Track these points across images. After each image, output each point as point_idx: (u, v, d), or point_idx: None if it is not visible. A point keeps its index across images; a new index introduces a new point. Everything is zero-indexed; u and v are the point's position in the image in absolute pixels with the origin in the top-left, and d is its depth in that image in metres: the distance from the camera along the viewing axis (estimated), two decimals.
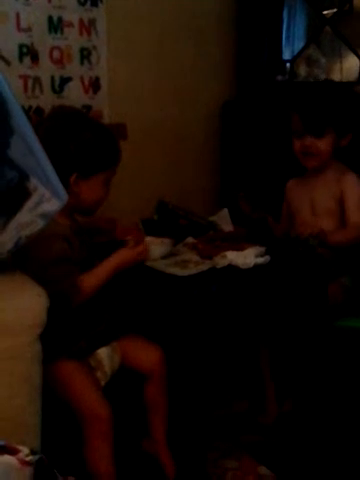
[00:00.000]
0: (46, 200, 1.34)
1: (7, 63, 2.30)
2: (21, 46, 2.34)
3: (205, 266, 1.90)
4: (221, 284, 1.82)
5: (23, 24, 2.33)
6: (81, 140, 1.68)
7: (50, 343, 1.63)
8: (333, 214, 2.18)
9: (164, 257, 1.94)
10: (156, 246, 1.92)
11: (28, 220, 1.35)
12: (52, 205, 1.36)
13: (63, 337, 1.69)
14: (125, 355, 1.81)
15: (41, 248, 1.59)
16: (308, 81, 2.95)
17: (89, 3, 2.46)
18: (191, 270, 1.87)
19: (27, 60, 2.37)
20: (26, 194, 1.33)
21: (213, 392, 2.10)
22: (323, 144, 2.14)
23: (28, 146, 1.33)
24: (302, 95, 2.29)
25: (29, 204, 1.33)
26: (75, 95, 2.49)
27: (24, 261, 1.58)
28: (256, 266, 1.89)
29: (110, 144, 1.75)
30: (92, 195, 1.73)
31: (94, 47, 2.51)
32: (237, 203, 2.28)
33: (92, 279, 1.69)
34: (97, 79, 2.54)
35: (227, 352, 2.15)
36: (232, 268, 1.89)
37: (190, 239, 2.13)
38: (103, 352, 1.76)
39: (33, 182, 1.33)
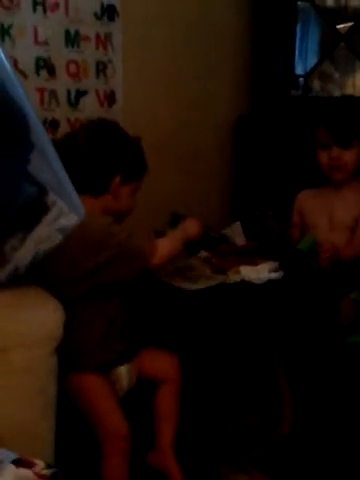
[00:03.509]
0: (64, 214, 1.35)
1: (24, 76, 2.32)
2: (38, 59, 2.36)
3: (214, 281, 1.90)
4: (233, 300, 1.82)
5: (40, 37, 2.35)
6: (127, 145, 1.78)
7: (78, 353, 1.68)
8: (350, 230, 2.19)
9: (178, 270, 1.94)
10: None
11: (46, 234, 1.36)
12: (70, 219, 1.36)
13: (92, 349, 1.70)
14: (142, 366, 1.81)
15: (107, 237, 1.66)
16: (324, 96, 2.98)
17: (106, 17, 2.49)
18: (200, 285, 1.88)
19: (44, 73, 2.39)
20: (45, 208, 1.34)
21: (224, 406, 2.10)
22: (350, 155, 2.15)
23: (47, 161, 1.34)
24: (328, 108, 2.29)
25: (48, 218, 1.34)
26: (90, 108, 2.50)
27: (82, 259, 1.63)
28: (270, 281, 1.90)
29: (143, 155, 1.84)
30: (127, 202, 1.80)
31: (110, 61, 2.53)
32: (263, 221, 2.29)
33: (166, 242, 1.78)
34: (112, 92, 2.56)
35: (237, 367, 2.15)
36: (244, 283, 1.89)
37: (203, 253, 2.13)
38: (123, 368, 1.76)
39: (51, 196, 1.34)
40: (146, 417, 1.81)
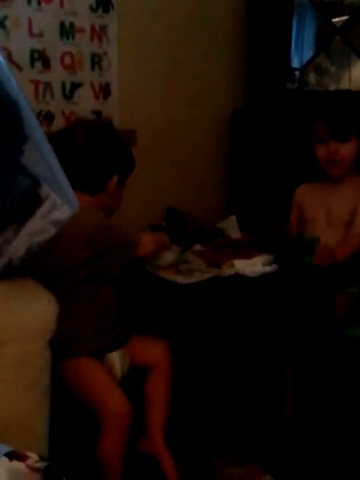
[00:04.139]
0: (58, 207, 1.35)
1: (19, 68, 2.31)
2: (33, 51, 2.35)
3: (208, 275, 1.91)
4: (227, 293, 1.84)
5: (35, 29, 2.34)
6: (123, 146, 1.85)
7: (72, 341, 1.71)
8: (347, 225, 2.19)
9: (173, 264, 1.95)
10: (165, 253, 1.94)
11: (40, 227, 1.35)
12: (63, 212, 1.36)
13: (87, 336, 1.74)
14: (133, 354, 1.83)
15: (100, 231, 1.73)
16: (320, 90, 2.97)
17: (101, 9, 2.47)
18: (194, 278, 1.89)
19: (38, 65, 2.37)
20: (38, 201, 1.34)
21: (218, 398, 2.10)
22: (347, 149, 2.15)
23: (41, 153, 1.33)
24: (325, 103, 2.30)
25: (41, 211, 1.34)
26: (85, 101, 2.49)
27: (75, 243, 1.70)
28: (264, 274, 1.90)
29: (131, 152, 1.91)
30: (118, 199, 1.88)
31: (105, 53, 2.52)
32: (258, 220, 2.30)
33: (148, 235, 1.90)
34: (107, 85, 2.55)
35: (233, 359, 2.15)
36: (238, 276, 1.90)
37: (198, 246, 2.13)
38: (116, 354, 1.79)
39: (45, 189, 1.34)
40: (139, 405, 1.81)
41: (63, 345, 1.66)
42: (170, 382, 1.83)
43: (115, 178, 1.80)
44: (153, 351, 1.85)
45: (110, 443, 1.67)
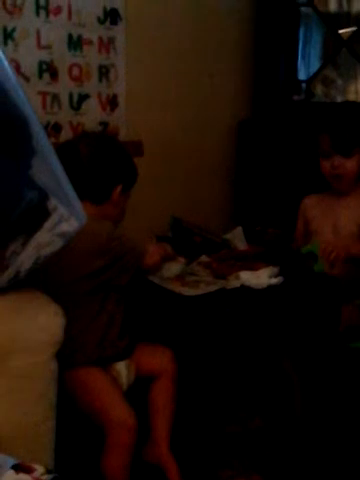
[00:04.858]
0: (65, 220, 1.36)
1: (27, 80, 2.33)
2: (41, 63, 2.37)
3: (214, 287, 1.91)
4: (233, 305, 1.83)
5: (43, 41, 2.36)
6: (126, 157, 1.88)
7: (79, 349, 1.72)
8: (354, 236, 2.19)
9: (179, 276, 1.95)
10: (171, 265, 1.94)
11: (47, 240, 1.36)
12: (71, 225, 1.37)
13: (94, 345, 1.75)
14: (138, 363, 1.84)
15: (110, 241, 1.75)
16: (327, 101, 2.98)
17: (109, 21, 2.49)
18: (199, 290, 1.88)
19: (46, 77, 2.40)
20: (46, 214, 1.35)
21: (224, 409, 2.10)
22: (351, 164, 2.16)
23: (49, 166, 1.34)
24: (332, 116, 2.30)
25: (48, 224, 1.35)
26: (93, 112, 2.51)
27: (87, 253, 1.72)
28: (270, 286, 1.90)
29: (134, 163, 1.93)
30: (123, 209, 1.90)
31: (112, 65, 2.54)
32: (262, 237, 2.30)
33: (154, 244, 1.93)
34: (115, 96, 2.56)
35: (239, 370, 2.15)
36: (244, 288, 1.89)
37: (204, 257, 2.13)
38: (122, 364, 1.79)
39: (53, 202, 1.34)
40: (144, 415, 1.81)
41: (70, 354, 1.67)
42: (175, 390, 1.84)
43: (119, 188, 1.83)
44: (158, 359, 1.86)
45: (115, 458, 1.67)
